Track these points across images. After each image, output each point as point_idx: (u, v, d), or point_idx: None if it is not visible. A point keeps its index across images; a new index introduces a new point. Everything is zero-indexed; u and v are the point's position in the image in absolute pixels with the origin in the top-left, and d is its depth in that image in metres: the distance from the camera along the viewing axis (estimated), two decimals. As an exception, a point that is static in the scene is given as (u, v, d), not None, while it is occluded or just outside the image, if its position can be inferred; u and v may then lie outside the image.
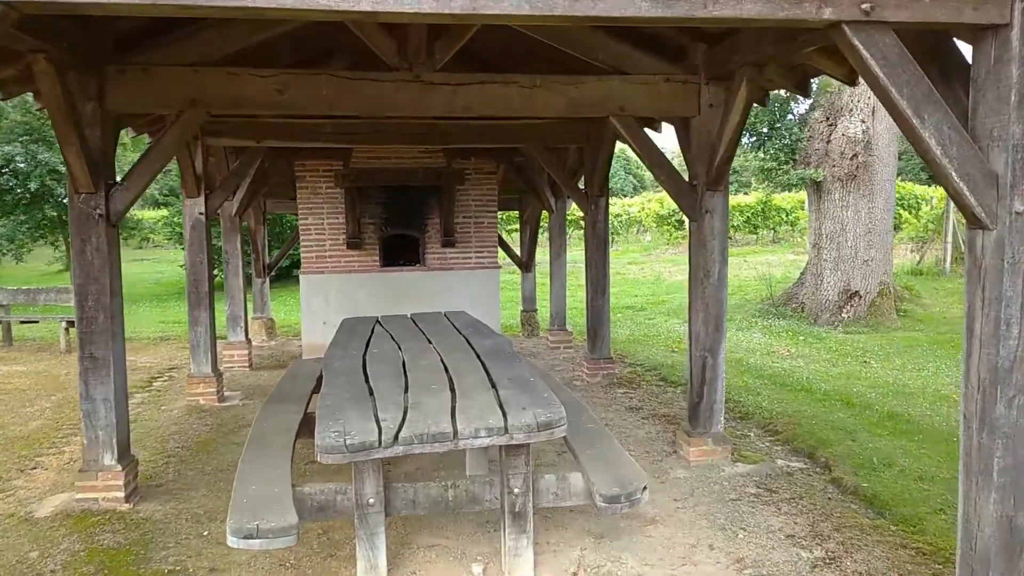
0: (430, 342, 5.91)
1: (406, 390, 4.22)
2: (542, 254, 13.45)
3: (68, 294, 11.58)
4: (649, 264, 23.82)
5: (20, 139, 15.99)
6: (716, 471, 5.53)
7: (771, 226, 29.86)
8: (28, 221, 16.52)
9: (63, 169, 16.05)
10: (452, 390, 4.31)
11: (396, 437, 3.33)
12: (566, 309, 10.63)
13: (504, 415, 3.64)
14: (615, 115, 5.34)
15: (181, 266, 20.79)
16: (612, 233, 30.07)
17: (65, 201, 16.50)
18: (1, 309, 11.80)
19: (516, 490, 3.84)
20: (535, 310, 12.38)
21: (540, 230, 12.82)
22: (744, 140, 23.70)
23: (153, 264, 27.22)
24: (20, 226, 16.37)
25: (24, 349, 11.40)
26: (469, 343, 5.60)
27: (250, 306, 12.10)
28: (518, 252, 12.54)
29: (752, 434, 6.67)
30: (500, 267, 10.15)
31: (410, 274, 9.83)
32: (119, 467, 4.91)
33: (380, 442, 3.29)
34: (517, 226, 26.74)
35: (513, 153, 9.84)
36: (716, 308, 5.56)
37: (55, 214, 16.58)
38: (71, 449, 6.28)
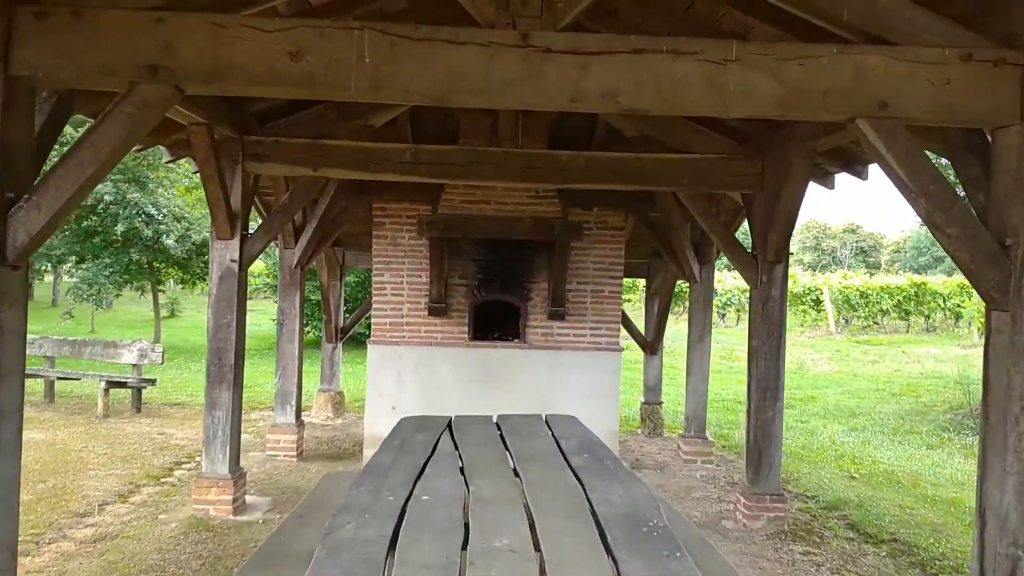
0: (518, 477, 3.69)
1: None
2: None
3: (114, 348, 10.08)
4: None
5: (112, 178, 15.14)
6: None
7: (924, 313, 26.09)
8: (113, 265, 15.54)
9: (153, 211, 15.05)
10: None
11: None
12: (707, 409, 8.12)
13: None
14: (869, 117, 3.02)
15: (273, 319, 19.44)
16: (736, 309, 27.06)
17: (158, 244, 15.45)
18: (46, 361, 10.41)
19: None
20: (660, 403, 9.90)
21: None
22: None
23: (256, 315, 26.00)
24: (103, 270, 15.38)
25: (61, 409, 9.88)
26: (587, 497, 3.30)
27: (316, 376, 10.28)
28: (639, 327, 10.17)
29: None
30: (623, 349, 7.82)
31: (506, 352, 7.64)
32: None
33: None
34: (630, 296, 24.33)
35: (647, 204, 7.61)
36: (1045, 471, 3.03)
37: (140, 258, 15.52)
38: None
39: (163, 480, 6.81)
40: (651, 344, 9.81)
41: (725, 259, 7.00)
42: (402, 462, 3.84)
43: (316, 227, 7.42)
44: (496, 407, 7.51)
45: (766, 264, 5.85)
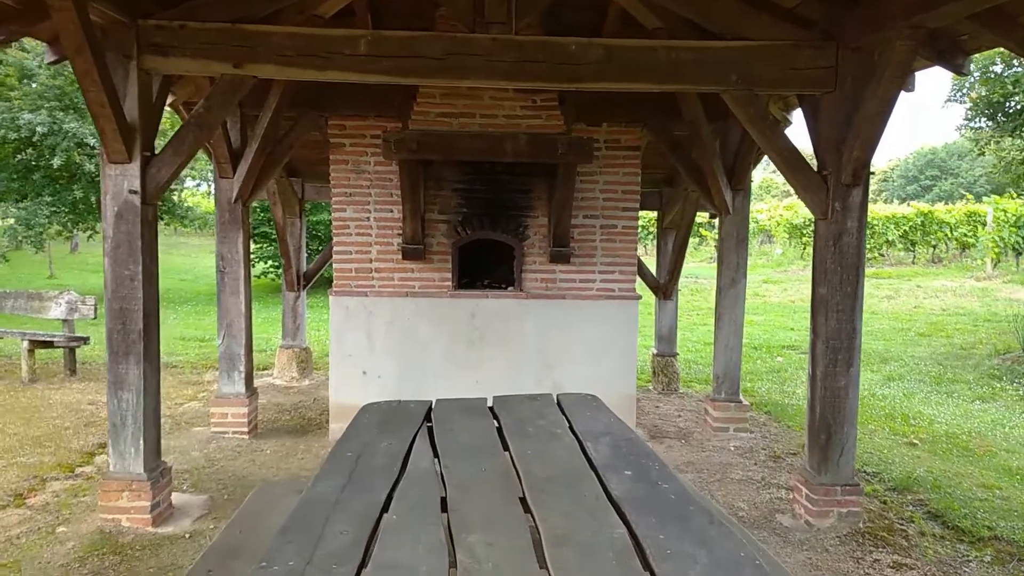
0: (529, 514, 2.39)
1: None
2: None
3: (39, 301, 8.61)
4: (790, 284, 19.56)
5: (47, 106, 13.35)
6: None
7: (931, 243, 24.87)
8: (55, 204, 13.87)
9: (93, 142, 13.35)
10: None
11: None
12: (740, 366, 6.80)
13: None
14: None
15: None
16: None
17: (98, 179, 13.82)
18: (-39, 317, 8.95)
19: None
20: (675, 354, 8.61)
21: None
22: (982, 122, 18.80)
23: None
24: (44, 208, 13.71)
25: (-19, 373, 8.48)
26: (642, 554, 1.97)
27: (277, 330, 8.89)
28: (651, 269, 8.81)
29: None
30: (640, 297, 6.46)
31: (499, 302, 6.27)
32: None
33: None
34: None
35: (670, 117, 6.14)
36: None
37: (83, 195, 13.84)
38: None
39: (77, 471, 5.49)
40: (665, 287, 8.46)
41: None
42: (350, 499, 2.49)
43: (257, 150, 5.90)
44: (488, 371, 6.17)
45: (840, 188, 4.46)
